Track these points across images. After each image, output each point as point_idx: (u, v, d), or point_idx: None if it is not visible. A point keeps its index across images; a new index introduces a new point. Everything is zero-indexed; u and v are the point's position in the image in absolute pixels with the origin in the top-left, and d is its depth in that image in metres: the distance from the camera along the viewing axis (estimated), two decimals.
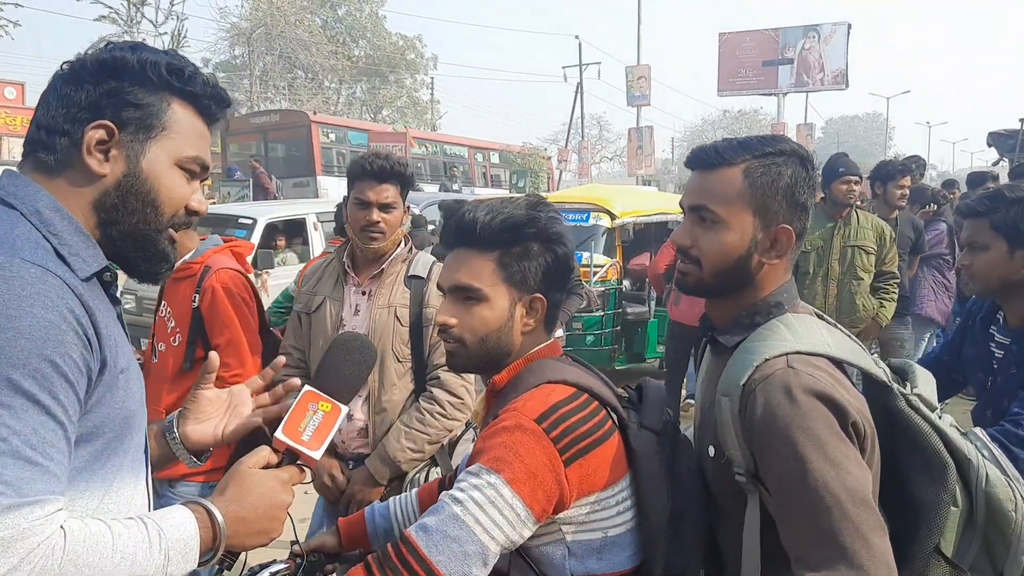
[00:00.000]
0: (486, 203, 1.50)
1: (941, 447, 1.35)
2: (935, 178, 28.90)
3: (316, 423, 1.32)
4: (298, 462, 1.31)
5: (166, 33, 17.22)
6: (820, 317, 1.46)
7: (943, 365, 2.48)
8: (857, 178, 4.71)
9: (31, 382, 0.97)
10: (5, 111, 18.66)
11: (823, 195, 4.89)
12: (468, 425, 2.66)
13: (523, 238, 1.47)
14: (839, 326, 1.48)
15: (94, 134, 1.12)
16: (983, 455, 1.41)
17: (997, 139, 11.04)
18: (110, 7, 17.54)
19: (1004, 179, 7.59)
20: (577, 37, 35.53)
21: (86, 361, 1.04)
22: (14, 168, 1.18)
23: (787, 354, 1.32)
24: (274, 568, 1.51)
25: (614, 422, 1.44)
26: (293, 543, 1.60)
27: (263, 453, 1.28)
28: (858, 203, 4.98)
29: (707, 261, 1.42)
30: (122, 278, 1.31)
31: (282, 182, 16.44)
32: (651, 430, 1.45)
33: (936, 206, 6.27)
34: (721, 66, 35.48)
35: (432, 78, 39.67)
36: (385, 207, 2.58)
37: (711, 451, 1.40)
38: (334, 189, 16.12)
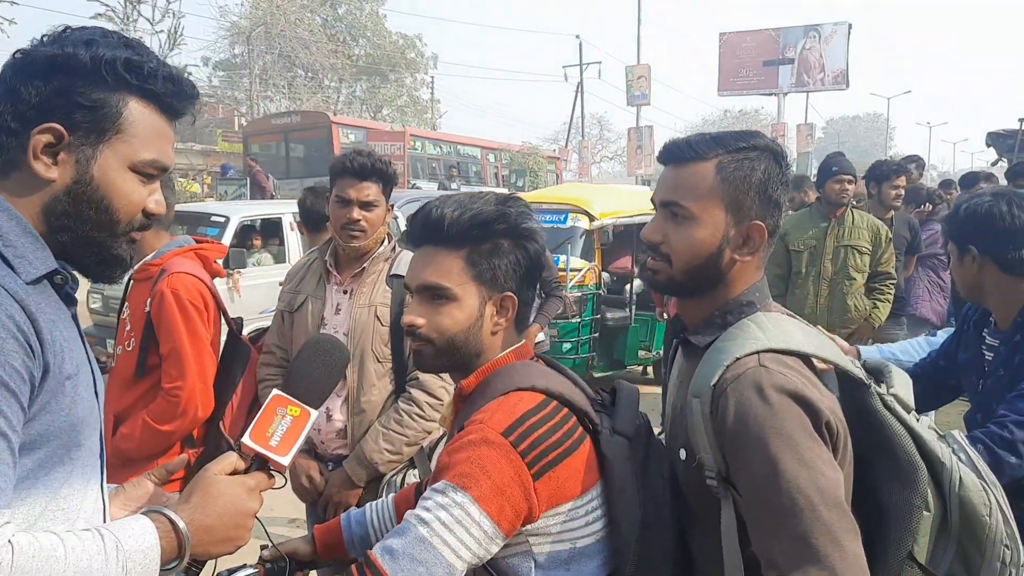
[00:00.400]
0: (454, 199, 1.45)
1: (913, 449, 1.31)
2: (935, 178, 28.86)
3: (284, 428, 1.28)
4: (268, 468, 1.27)
5: (163, 31, 17.11)
6: (792, 317, 1.43)
7: (939, 369, 2.45)
8: (851, 177, 4.68)
9: None
10: None
11: (817, 195, 4.86)
12: None
13: (493, 235, 1.42)
14: (816, 326, 1.44)
15: (41, 138, 1.06)
16: (959, 458, 1.37)
17: (996, 139, 10.98)
18: (106, 4, 17.44)
19: (1002, 179, 7.57)
20: (578, 37, 35.64)
21: (28, 369, 1.00)
22: None
23: (759, 352, 1.28)
24: (243, 573, 1.48)
25: (585, 428, 1.39)
26: (263, 547, 1.57)
27: (230, 459, 1.24)
28: (854, 203, 4.94)
29: (678, 258, 1.39)
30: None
31: (301, 182, 16.51)
32: (623, 435, 1.41)
33: (932, 206, 6.25)
34: (721, 66, 35.49)
35: (432, 77, 39.66)
36: (366, 205, 2.54)
37: (682, 454, 1.37)
38: None
